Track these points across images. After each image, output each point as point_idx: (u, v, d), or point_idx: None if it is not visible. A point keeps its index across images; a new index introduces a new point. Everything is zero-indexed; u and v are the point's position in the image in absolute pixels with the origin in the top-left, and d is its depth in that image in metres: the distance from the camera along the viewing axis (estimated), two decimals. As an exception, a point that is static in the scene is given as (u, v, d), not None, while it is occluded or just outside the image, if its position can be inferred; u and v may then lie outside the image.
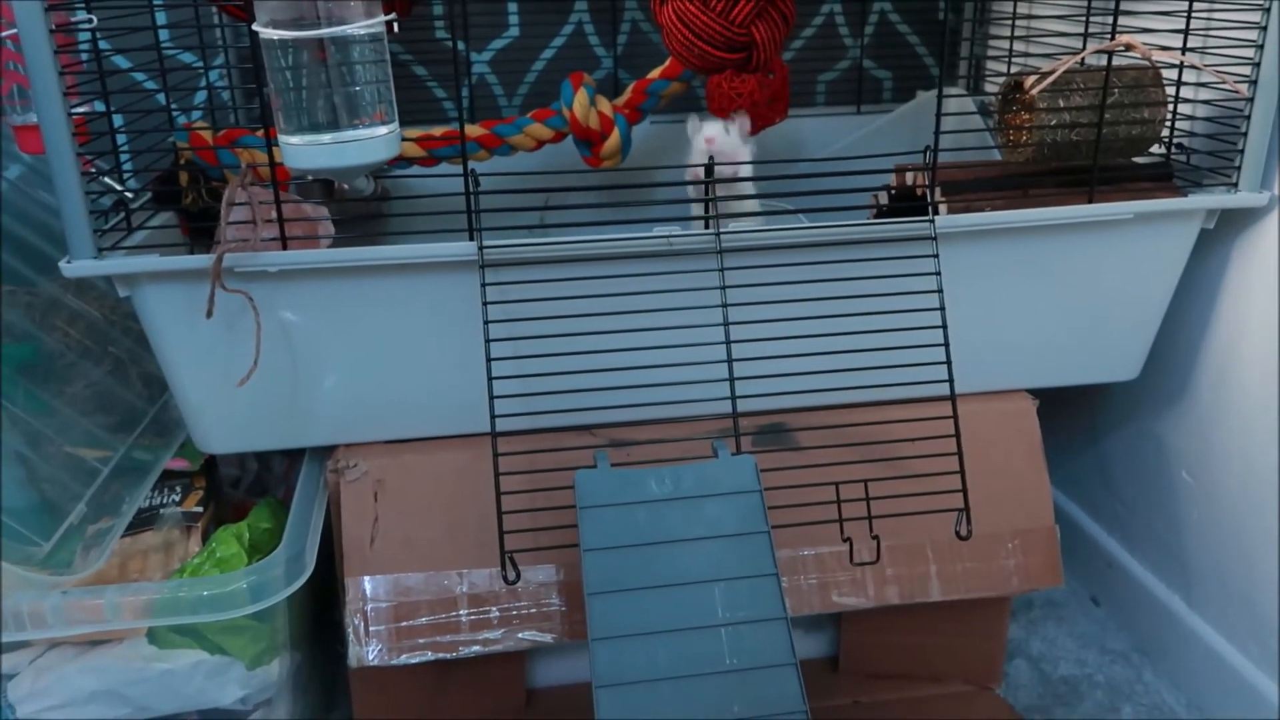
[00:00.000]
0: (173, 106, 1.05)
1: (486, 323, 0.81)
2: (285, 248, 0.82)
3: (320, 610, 0.99)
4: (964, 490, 0.83)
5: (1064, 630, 1.16)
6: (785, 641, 0.74)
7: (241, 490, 1.08)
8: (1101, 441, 1.20)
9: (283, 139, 0.78)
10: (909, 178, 0.94)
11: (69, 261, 0.80)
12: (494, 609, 0.88)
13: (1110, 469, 1.18)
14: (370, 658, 0.85)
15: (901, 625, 1.04)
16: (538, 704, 1.05)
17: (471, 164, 0.84)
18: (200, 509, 0.92)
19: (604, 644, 0.73)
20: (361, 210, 1.08)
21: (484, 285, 0.81)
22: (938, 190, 0.89)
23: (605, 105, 1.05)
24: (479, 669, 0.99)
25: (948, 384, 0.84)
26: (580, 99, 1.04)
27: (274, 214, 0.81)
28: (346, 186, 0.95)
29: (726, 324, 0.82)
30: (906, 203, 0.93)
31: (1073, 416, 1.23)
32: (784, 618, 0.75)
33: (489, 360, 0.80)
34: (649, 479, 0.80)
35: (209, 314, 0.80)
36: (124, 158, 0.93)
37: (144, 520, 0.88)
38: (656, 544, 0.77)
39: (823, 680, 1.06)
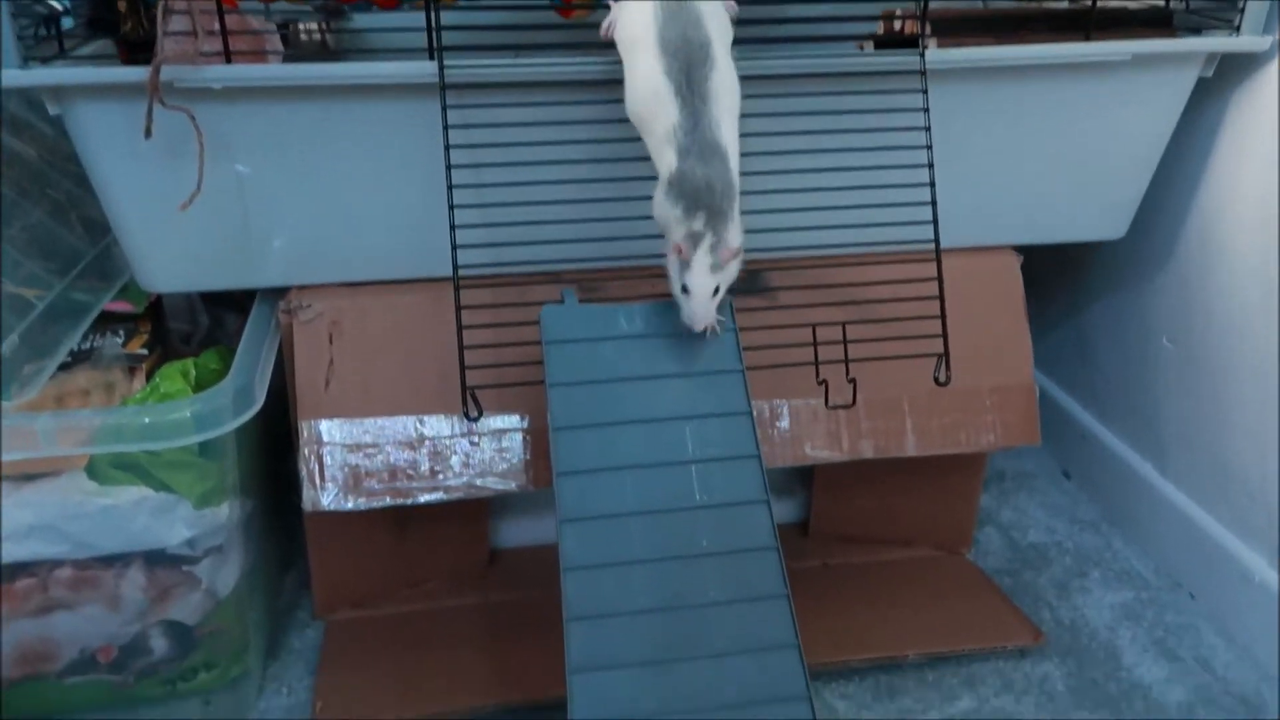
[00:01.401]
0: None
1: (447, 148, 0.76)
2: (229, 62, 0.76)
3: (276, 462, 0.96)
4: (944, 335, 0.80)
5: (1035, 501, 1.15)
6: (757, 479, 0.71)
7: (193, 345, 1.03)
8: (1081, 313, 1.17)
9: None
10: (897, 24, 0.89)
11: (-9, 72, 0.74)
12: (455, 456, 0.84)
13: (1089, 341, 1.16)
14: (325, 502, 0.82)
15: (873, 489, 1.03)
16: (501, 563, 1.03)
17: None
18: (145, 351, 0.87)
19: (569, 479, 0.70)
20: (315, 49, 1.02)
21: (445, 108, 0.76)
22: (928, 27, 0.84)
23: (579, -52, 0.99)
24: (440, 525, 0.97)
25: (931, 226, 0.80)
26: (553, -59, 0.97)
27: (216, 25, 0.75)
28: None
29: (703, 157, 0.78)
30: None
31: (1052, 292, 1.21)
32: (756, 455, 0.72)
33: (450, 188, 0.75)
34: (618, 315, 0.76)
35: (147, 133, 0.74)
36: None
37: (82, 357, 0.84)
38: (625, 380, 0.74)
39: (792, 543, 1.05)
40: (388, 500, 0.83)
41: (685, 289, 0.69)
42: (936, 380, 0.80)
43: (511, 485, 0.85)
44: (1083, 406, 1.19)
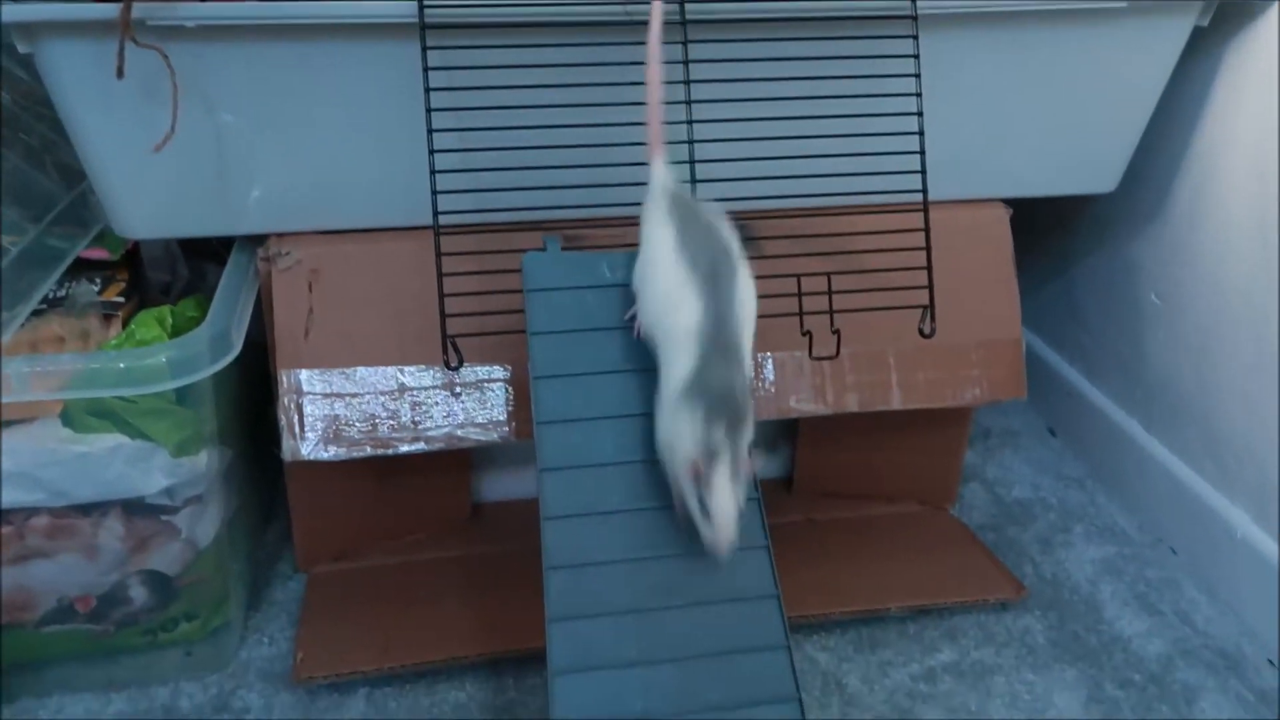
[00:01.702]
0: None
1: (428, 90, 0.74)
2: (203, -1, 0.74)
3: (256, 413, 0.95)
4: (930, 286, 0.79)
5: (1020, 458, 1.15)
6: (740, 430, 0.71)
7: (172, 296, 1.02)
8: (1070, 270, 1.17)
9: None
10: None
11: (-48, 7, 0.72)
12: (436, 406, 0.83)
13: (1078, 297, 1.16)
14: (305, 451, 0.81)
15: (858, 445, 1.03)
16: (483, 517, 1.03)
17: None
18: (121, 299, 0.86)
19: (550, 428, 0.69)
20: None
21: (425, 49, 0.74)
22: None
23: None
24: (422, 478, 0.96)
25: (919, 176, 0.79)
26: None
27: (190, -39, 0.73)
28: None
29: (689, 101, 0.77)
30: None
31: (1042, 249, 1.20)
32: (739, 405, 0.71)
33: (430, 132, 0.74)
34: (601, 263, 0.75)
35: (119, 73, 0.72)
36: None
37: (56, 304, 0.83)
38: (607, 329, 0.73)
39: (777, 499, 1.04)
40: (368, 450, 0.82)
41: (705, 511, 0.61)
42: (921, 332, 0.79)
43: (493, 436, 0.84)
44: (1070, 364, 1.19)
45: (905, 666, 0.86)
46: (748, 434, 0.62)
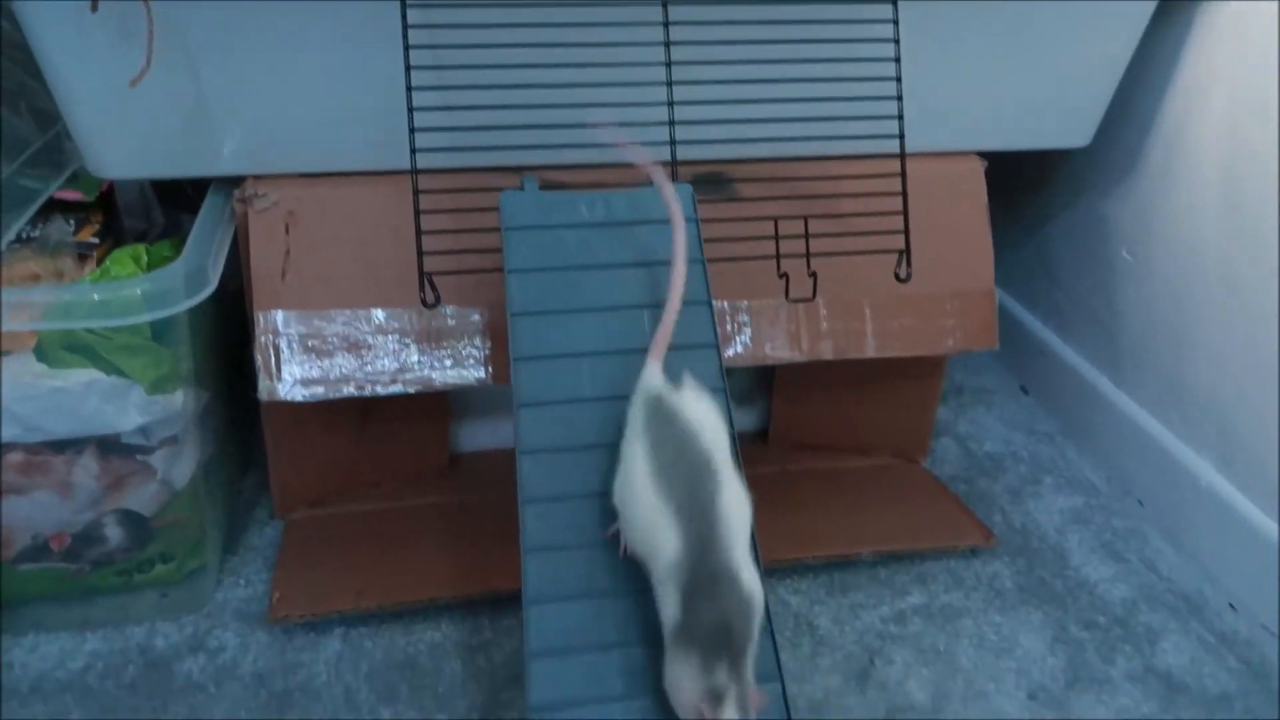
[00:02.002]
0: None
1: (407, 29, 0.74)
2: (179, -68, 0.73)
3: (236, 361, 0.95)
4: (906, 231, 0.80)
5: (992, 414, 1.17)
6: (715, 367, 0.71)
7: (147, 243, 1.02)
8: (1045, 228, 1.18)
9: None
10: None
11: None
12: (414, 349, 0.84)
13: (1051, 255, 1.17)
14: (282, 392, 0.81)
15: (833, 398, 1.04)
16: (461, 466, 1.03)
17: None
18: (96, 240, 0.86)
19: (527, 364, 0.70)
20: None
21: (404, -12, 0.74)
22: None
23: None
24: (400, 425, 0.97)
25: (896, 122, 0.80)
26: None
27: (166, -106, 0.73)
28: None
29: (668, 43, 0.77)
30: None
31: (1017, 210, 1.21)
32: (714, 344, 0.72)
33: (408, 69, 0.74)
34: (579, 203, 0.75)
35: (93, 6, 0.72)
36: None
37: (29, 243, 0.82)
38: (585, 268, 0.73)
39: (752, 451, 1.05)
40: (344, 391, 0.82)
41: None
42: (897, 276, 0.80)
43: (470, 379, 0.84)
44: (1042, 322, 1.20)
45: (875, 609, 0.87)
46: (752, 653, 0.58)
